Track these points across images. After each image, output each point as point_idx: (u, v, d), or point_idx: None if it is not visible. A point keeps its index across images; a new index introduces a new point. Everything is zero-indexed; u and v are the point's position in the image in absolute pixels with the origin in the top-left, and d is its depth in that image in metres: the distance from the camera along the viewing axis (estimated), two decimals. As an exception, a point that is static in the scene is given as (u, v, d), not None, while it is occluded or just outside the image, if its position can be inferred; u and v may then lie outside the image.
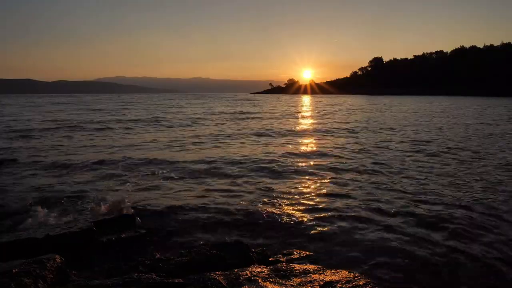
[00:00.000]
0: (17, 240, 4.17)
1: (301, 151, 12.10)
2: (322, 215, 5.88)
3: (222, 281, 3.15)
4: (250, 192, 7.14)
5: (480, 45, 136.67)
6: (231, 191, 7.25)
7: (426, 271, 4.13)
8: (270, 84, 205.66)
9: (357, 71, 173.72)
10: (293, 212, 6.04)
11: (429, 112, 33.19)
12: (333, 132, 17.54)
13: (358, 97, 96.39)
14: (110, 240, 4.64)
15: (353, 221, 5.60)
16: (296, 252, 4.37)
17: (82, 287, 3.08)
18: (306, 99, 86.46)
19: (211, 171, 8.97)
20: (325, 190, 7.26)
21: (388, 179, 8.15)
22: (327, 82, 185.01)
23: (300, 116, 30.16)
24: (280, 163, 9.81)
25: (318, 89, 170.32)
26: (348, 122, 22.94)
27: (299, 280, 3.26)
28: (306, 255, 4.25)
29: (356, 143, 13.79)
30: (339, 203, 6.45)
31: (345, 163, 9.91)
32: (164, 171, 8.89)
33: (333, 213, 5.95)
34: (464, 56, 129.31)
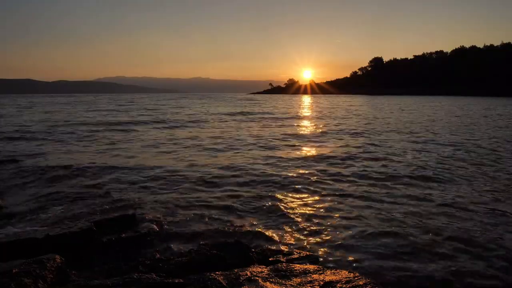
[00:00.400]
0: (17, 240, 4.17)
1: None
2: (322, 215, 5.88)
3: (222, 281, 3.15)
4: (251, 192, 7.14)
5: (480, 45, 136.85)
6: (235, 195, 7.24)
7: (427, 270, 4.14)
8: (270, 84, 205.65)
9: (357, 71, 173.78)
10: (294, 212, 6.04)
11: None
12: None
13: (358, 97, 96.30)
14: (110, 240, 4.63)
15: (353, 221, 5.61)
16: (296, 252, 4.37)
17: (82, 287, 3.08)
18: (308, 99, 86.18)
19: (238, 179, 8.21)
20: (327, 190, 7.26)
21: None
22: (327, 82, 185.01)
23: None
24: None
25: (318, 89, 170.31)
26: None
27: (299, 280, 3.26)
28: (306, 255, 4.25)
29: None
30: (340, 203, 6.46)
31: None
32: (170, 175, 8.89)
33: (333, 214, 5.95)
34: (464, 56, 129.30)
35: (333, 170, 9.08)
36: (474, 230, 5.20)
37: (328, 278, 3.26)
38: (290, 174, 8.61)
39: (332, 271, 3.44)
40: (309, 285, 3.16)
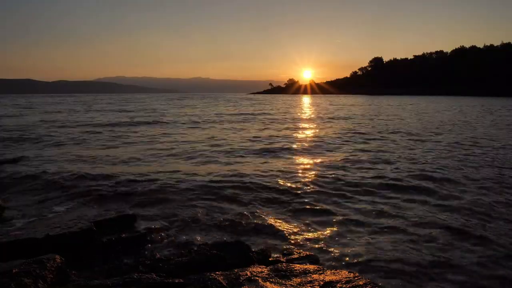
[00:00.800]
0: (17, 240, 4.17)
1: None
2: (322, 215, 5.88)
3: (222, 281, 3.15)
4: (253, 192, 7.14)
5: (480, 45, 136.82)
6: (235, 195, 7.24)
7: (426, 271, 4.14)
8: (270, 84, 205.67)
9: (357, 71, 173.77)
10: (294, 212, 6.05)
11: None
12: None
13: (360, 97, 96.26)
14: (110, 240, 4.63)
15: (354, 222, 5.61)
16: (296, 252, 4.37)
17: (82, 287, 3.08)
18: (308, 100, 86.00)
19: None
20: (327, 190, 7.26)
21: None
22: (327, 82, 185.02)
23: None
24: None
25: (318, 89, 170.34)
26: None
27: (299, 280, 3.25)
28: (306, 255, 4.25)
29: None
30: (340, 204, 6.46)
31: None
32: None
33: (333, 214, 5.95)
34: (464, 56, 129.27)
35: (352, 174, 9.09)
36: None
37: (328, 278, 3.26)
38: (292, 175, 8.62)
39: (332, 271, 3.44)
40: (309, 285, 3.16)
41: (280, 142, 14.22)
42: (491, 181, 7.83)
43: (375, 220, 5.65)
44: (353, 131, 17.67)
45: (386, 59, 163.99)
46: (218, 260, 3.80)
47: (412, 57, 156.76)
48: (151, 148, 12.68)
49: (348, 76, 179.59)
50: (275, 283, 3.19)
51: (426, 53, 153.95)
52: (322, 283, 3.17)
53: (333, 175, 8.45)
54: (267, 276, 3.33)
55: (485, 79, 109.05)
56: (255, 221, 5.65)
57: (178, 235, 5.15)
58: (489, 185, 7.52)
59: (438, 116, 28.15)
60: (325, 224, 5.50)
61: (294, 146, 13.15)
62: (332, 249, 4.67)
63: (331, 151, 12.03)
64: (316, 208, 6.20)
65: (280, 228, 5.38)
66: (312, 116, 30.11)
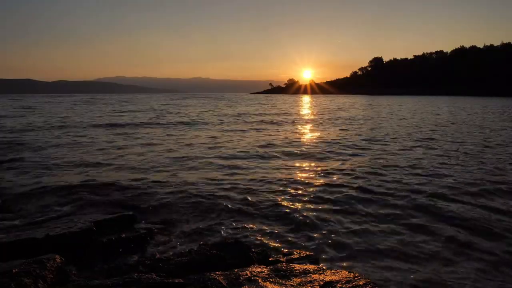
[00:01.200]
0: (17, 240, 4.17)
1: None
2: (323, 215, 5.88)
3: (222, 281, 3.15)
4: (254, 194, 7.14)
5: (480, 45, 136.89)
6: (236, 196, 7.24)
7: (427, 271, 4.14)
8: (270, 84, 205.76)
9: (357, 71, 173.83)
10: (294, 212, 6.04)
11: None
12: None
13: (360, 97, 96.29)
14: (110, 240, 4.63)
15: (354, 222, 5.61)
16: (296, 252, 4.37)
17: (82, 287, 3.08)
18: (312, 99, 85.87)
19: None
20: (327, 189, 7.26)
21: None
22: (327, 82, 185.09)
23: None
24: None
25: (318, 89, 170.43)
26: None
27: (299, 280, 3.25)
28: (306, 255, 4.24)
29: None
30: (341, 205, 6.46)
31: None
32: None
33: (334, 214, 5.95)
34: (464, 56, 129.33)
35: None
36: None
37: (328, 278, 3.26)
38: (292, 175, 8.62)
39: (332, 271, 3.44)
40: (309, 285, 3.16)
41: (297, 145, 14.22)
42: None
43: (376, 222, 5.64)
44: (357, 135, 17.67)
45: (386, 59, 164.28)
46: (218, 260, 3.80)
47: (412, 57, 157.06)
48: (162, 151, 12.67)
49: (348, 76, 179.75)
50: (275, 283, 3.19)
51: (426, 53, 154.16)
52: (322, 283, 3.17)
53: (335, 178, 8.45)
54: (267, 276, 3.33)
55: (485, 79, 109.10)
56: (256, 221, 5.65)
57: (178, 235, 5.15)
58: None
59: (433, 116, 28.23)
60: (325, 224, 5.50)
61: (304, 149, 13.11)
62: (332, 249, 4.67)
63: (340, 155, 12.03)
64: (316, 208, 6.20)
65: (280, 228, 5.38)
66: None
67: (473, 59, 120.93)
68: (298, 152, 11.87)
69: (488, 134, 16.61)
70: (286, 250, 4.50)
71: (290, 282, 3.22)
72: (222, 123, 23.07)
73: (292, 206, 6.30)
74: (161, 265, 3.73)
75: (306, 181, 7.95)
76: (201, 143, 13.86)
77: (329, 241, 4.93)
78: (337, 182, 7.87)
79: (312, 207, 6.29)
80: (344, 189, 7.30)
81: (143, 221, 5.53)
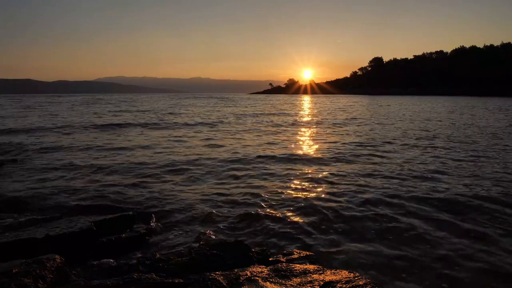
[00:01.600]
0: (17, 240, 4.17)
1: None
2: (323, 215, 5.88)
3: (222, 281, 3.15)
4: (254, 194, 7.14)
5: (480, 45, 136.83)
6: (236, 196, 7.24)
7: (426, 271, 4.14)
8: (270, 84, 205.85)
9: (357, 71, 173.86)
10: (294, 212, 6.04)
11: None
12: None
13: (360, 97, 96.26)
14: (110, 240, 4.63)
15: (354, 222, 5.61)
16: (296, 252, 4.37)
17: (82, 287, 3.08)
18: (308, 99, 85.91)
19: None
20: (326, 189, 7.27)
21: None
22: (327, 82, 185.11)
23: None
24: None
25: (318, 89, 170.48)
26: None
27: (299, 280, 3.25)
28: (306, 255, 4.24)
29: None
30: (342, 205, 6.46)
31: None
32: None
33: (334, 214, 5.95)
34: (464, 56, 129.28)
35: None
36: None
37: (328, 278, 3.26)
38: (292, 176, 8.63)
39: (332, 271, 3.44)
40: (309, 285, 3.16)
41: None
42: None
43: (376, 222, 5.64)
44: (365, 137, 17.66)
45: (386, 59, 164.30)
46: (218, 260, 3.80)
47: (412, 57, 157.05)
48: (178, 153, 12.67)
49: (348, 76, 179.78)
50: (275, 283, 3.19)
51: (426, 53, 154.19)
52: (322, 283, 3.17)
53: (337, 180, 8.45)
54: (267, 276, 3.33)
55: (485, 79, 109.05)
56: (256, 221, 5.65)
57: (178, 235, 5.15)
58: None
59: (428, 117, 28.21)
60: (325, 225, 5.50)
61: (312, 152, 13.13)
62: (332, 249, 4.67)
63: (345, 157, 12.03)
64: (316, 209, 6.20)
65: (280, 228, 5.38)
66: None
67: (473, 59, 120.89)
68: (301, 153, 11.88)
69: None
70: (286, 250, 4.49)
71: (290, 282, 3.22)
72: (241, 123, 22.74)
73: (292, 206, 6.30)
74: (161, 265, 3.73)
75: (307, 183, 7.95)
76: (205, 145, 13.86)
77: (329, 241, 4.92)
78: (337, 184, 7.87)
79: (312, 208, 6.28)
80: (345, 192, 7.30)
81: (143, 221, 5.52)
